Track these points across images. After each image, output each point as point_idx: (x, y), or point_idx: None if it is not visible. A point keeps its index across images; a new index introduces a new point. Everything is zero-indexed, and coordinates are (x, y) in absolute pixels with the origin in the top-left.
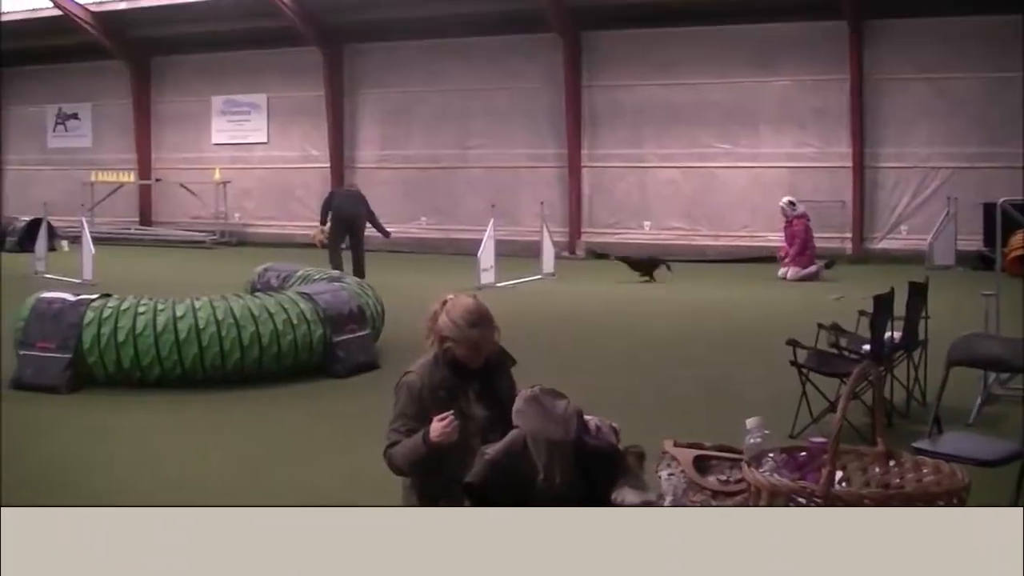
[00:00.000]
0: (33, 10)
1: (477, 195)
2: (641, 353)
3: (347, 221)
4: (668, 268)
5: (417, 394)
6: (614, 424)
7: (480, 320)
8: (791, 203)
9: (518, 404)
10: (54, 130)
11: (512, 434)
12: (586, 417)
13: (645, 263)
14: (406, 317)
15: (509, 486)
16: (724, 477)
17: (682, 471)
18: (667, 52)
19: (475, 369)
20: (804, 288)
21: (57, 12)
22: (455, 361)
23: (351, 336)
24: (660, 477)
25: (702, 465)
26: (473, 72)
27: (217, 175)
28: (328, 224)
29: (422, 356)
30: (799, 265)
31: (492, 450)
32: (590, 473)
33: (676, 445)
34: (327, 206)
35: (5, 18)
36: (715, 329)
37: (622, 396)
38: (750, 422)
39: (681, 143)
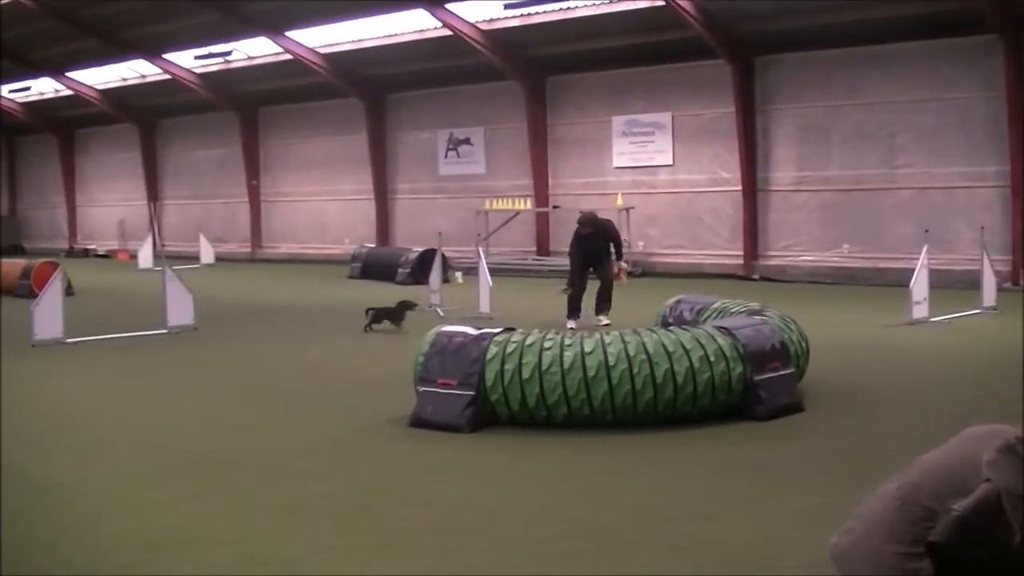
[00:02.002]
0: (421, 31)
1: (907, 219)
2: None
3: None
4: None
5: None
6: None
7: None
8: None
9: (990, 455)
10: (446, 156)
11: (984, 488)
12: None
13: (393, 311)
14: (830, 355)
15: (980, 548)
16: None
17: None
18: None
19: None
20: None
21: (447, 32)
22: None
23: (773, 375)
24: None
25: None
26: (899, 82)
27: (619, 201)
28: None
29: None
30: None
31: (960, 506)
32: None
33: None
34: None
35: (394, 40)
36: None
37: None
38: None
39: None
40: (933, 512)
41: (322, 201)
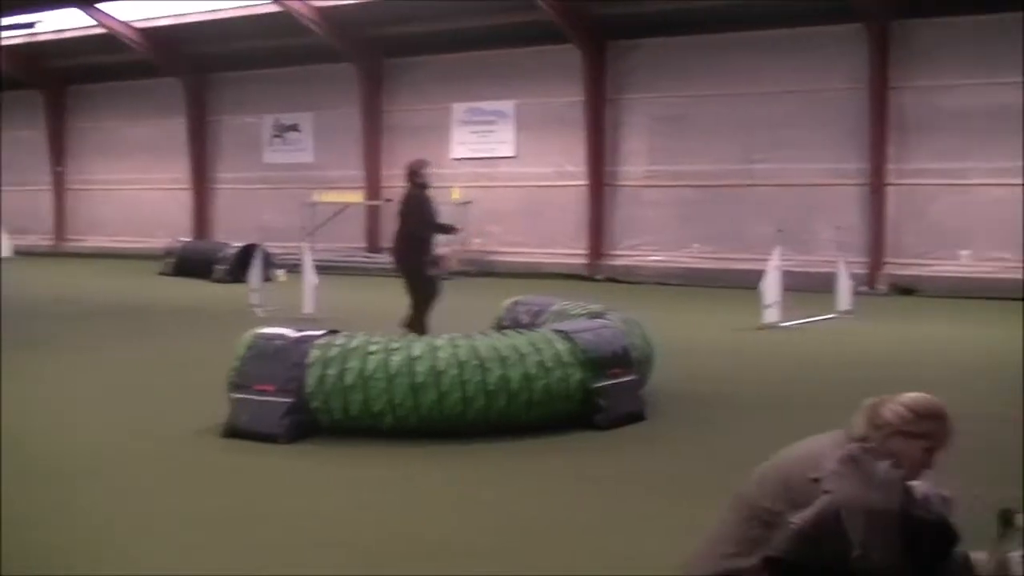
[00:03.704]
0: (248, 5)
1: (762, 218)
2: (964, 408)
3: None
4: None
5: None
6: (944, 493)
7: (938, 413)
8: None
9: (831, 465)
10: (271, 143)
11: (823, 500)
12: (911, 483)
13: None
14: (677, 360)
15: (818, 560)
16: None
17: None
18: (998, 45)
19: None
20: None
21: (276, 9)
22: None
23: (615, 381)
24: (1009, 559)
25: None
26: (760, 72)
27: (456, 194)
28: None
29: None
30: None
31: (799, 519)
32: (914, 550)
33: None
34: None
35: (218, 15)
36: None
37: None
38: None
39: (1014, 155)
40: (766, 511)
41: (136, 190)
